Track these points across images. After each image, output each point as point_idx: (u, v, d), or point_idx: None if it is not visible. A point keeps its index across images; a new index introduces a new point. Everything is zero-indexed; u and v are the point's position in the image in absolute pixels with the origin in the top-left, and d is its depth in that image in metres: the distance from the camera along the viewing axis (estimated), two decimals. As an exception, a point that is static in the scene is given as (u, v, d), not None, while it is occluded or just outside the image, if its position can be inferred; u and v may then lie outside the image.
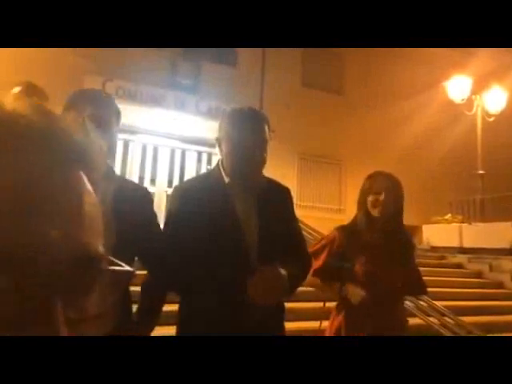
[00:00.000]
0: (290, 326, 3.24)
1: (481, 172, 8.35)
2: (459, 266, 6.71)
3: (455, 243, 7.43)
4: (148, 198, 1.45)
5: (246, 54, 8.25)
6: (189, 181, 1.69)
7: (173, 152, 8.11)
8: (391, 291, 1.76)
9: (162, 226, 1.49)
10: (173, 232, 1.43)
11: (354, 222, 1.89)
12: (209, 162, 8.30)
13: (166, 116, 7.42)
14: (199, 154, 8.27)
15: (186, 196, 1.47)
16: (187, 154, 8.18)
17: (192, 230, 1.38)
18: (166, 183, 7.91)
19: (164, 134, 7.82)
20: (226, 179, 1.48)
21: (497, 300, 5.35)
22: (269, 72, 8.60)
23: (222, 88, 7.66)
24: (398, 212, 1.85)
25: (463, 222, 7.86)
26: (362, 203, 1.86)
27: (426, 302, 3.70)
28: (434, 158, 9.13)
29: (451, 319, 3.69)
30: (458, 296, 4.78)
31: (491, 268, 6.41)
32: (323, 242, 1.91)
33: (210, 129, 7.97)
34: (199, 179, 1.62)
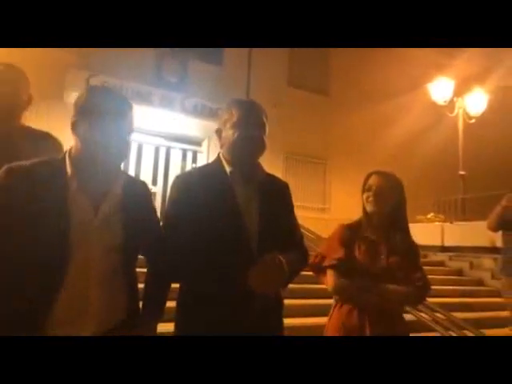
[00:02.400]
0: (302, 321, 3.27)
1: (462, 173, 8.53)
2: (441, 263, 6.82)
3: (437, 242, 7.55)
4: (150, 193, 1.49)
5: (232, 53, 8.24)
6: (189, 171, 1.70)
7: (157, 150, 8.05)
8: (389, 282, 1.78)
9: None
10: (174, 221, 1.43)
11: (358, 220, 1.95)
12: (194, 160, 8.27)
13: (151, 113, 7.36)
14: (184, 151, 8.22)
15: (187, 185, 1.47)
16: (172, 151, 8.13)
17: (193, 218, 1.38)
18: (150, 181, 7.85)
19: (149, 131, 7.75)
20: (228, 168, 1.49)
21: (477, 297, 5.46)
22: (255, 71, 8.60)
23: (208, 86, 7.65)
24: (395, 209, 1.89)
25: (445, 221, 8.00)
26: (362, 202, 1.93)
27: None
28: (417, 158, 9.27)
29: (443, 315, 3.73)
30: (440, 293, 4.86)
31: (472, 266, 6.54)
32: (328, 241, 1.94)
33: (195, 127, 7.95)
34: (200, 170, 1.61)
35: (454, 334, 3.49)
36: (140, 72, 7.28)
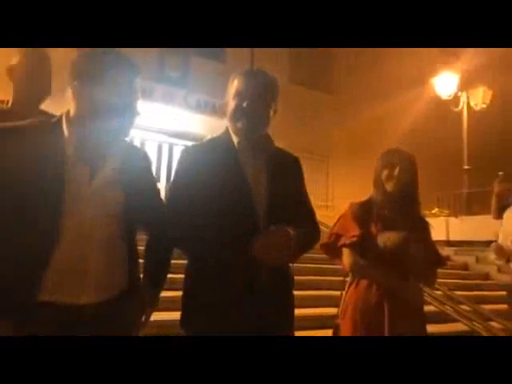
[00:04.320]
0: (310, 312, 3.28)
1: (466, 167, 8.50)
2: (446, 258, 6.78)
3: (442, 236, 7.53)
4: (150, 163, 1.46)
5: (234, 50, 8.21)
6: (196, 144, 1.61)
7: (160, 146, 8.03)
8: (405, 262, 1.76)
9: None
10: (180, 193, 1.40)
11: (369, 199, 1.89)
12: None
13: (154, 110, 7.34)
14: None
15: (194, 157, 1.44)
16: (175, 148, 8.11)
17: (199, 190, 1.35)
18: (153, 178, 7.83)
19: (151, 128, 7.74)
20: (236, 139, 1.45)
21: (483, 290, 5.43)
22: (257, 67, 8.55)
23: (211, 82, 7.61)
24: (413, 187, 1.85)
25: (450, 216, 7.96)
26: (377, 180, 1.86)
27: (441, 291, 3.80)
28: (421, 154, 9.20)
29: (469, 307, 3.71)
30: (446, 287, 4.84)
31: (477, 260, 6.51)
32: (343, 219, 1.88)
33: (198, 123, 7.92)
34: (208, 142, 1.56)
35: (479, 325, 3.46)
36: (142, 67, 7.22)
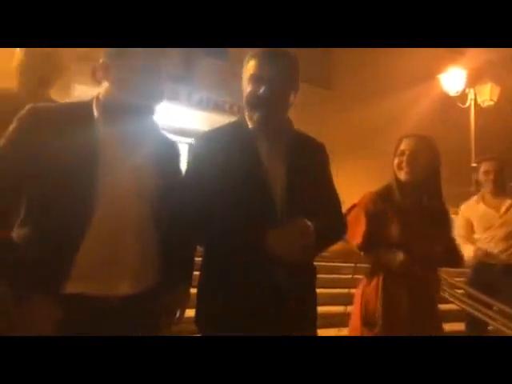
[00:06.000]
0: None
1: (474, 165, 8.40)
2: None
3: (449, 234, 7.46)
4: (180, 154, 1.46)
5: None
6: (210, 130, 1.51)
7: (164, 144, 8.00)
8: (424, 260, 1.70)
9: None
10: (194, 182, 1.34)
11: (386, 187, 1.82)
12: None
13: (159, 107, 7.33)
14: (190, 146, 8.14)
15: (207, 144, 1.39)
16: (179, 145, 8.06)
17: (214, 179, 1.28)
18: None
19: (155, 125, 7.72)
20: (251, 124, 1.36)
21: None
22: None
23: (214, 79, 7.59)
24: (431, 176, 1.76)
25: (457, 214, 7.88)
26: (391, 169, 1.79)
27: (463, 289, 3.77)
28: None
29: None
30: (454, 285, 4.80)
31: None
32: (357, 209, 1.81)
33: (200, 120, 7.88)
34: (221, 128, 1.46)
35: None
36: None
